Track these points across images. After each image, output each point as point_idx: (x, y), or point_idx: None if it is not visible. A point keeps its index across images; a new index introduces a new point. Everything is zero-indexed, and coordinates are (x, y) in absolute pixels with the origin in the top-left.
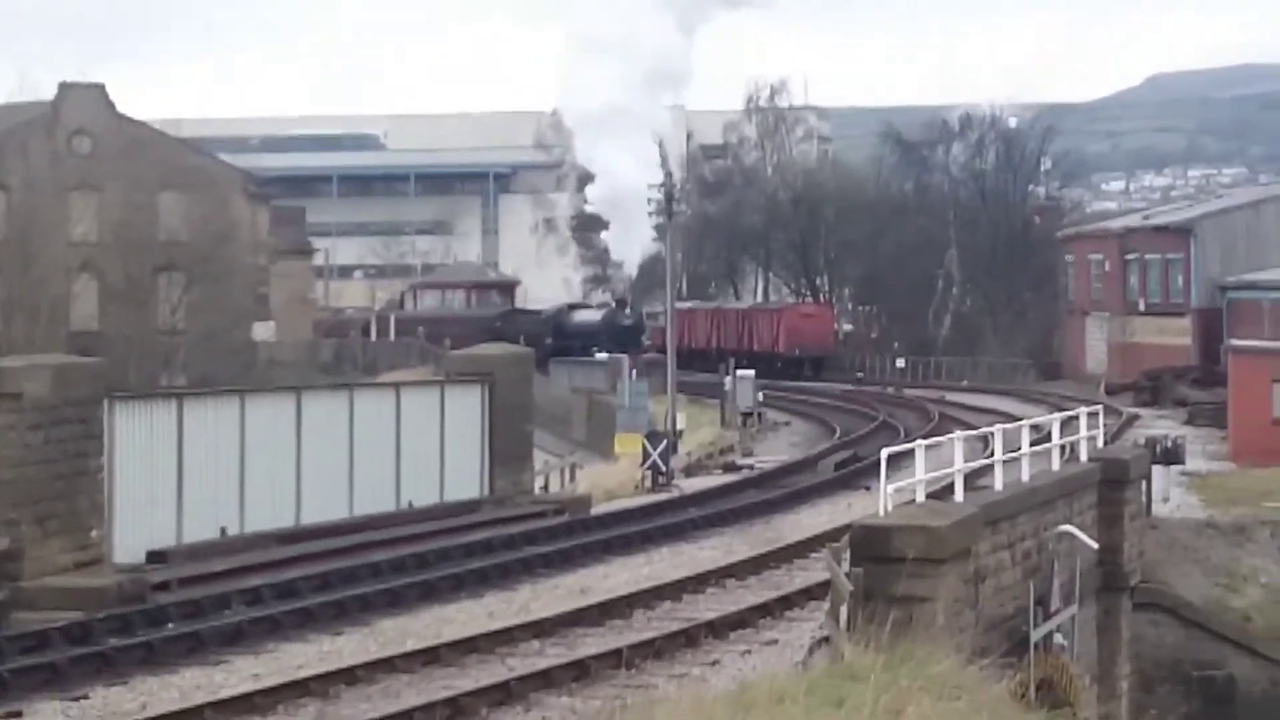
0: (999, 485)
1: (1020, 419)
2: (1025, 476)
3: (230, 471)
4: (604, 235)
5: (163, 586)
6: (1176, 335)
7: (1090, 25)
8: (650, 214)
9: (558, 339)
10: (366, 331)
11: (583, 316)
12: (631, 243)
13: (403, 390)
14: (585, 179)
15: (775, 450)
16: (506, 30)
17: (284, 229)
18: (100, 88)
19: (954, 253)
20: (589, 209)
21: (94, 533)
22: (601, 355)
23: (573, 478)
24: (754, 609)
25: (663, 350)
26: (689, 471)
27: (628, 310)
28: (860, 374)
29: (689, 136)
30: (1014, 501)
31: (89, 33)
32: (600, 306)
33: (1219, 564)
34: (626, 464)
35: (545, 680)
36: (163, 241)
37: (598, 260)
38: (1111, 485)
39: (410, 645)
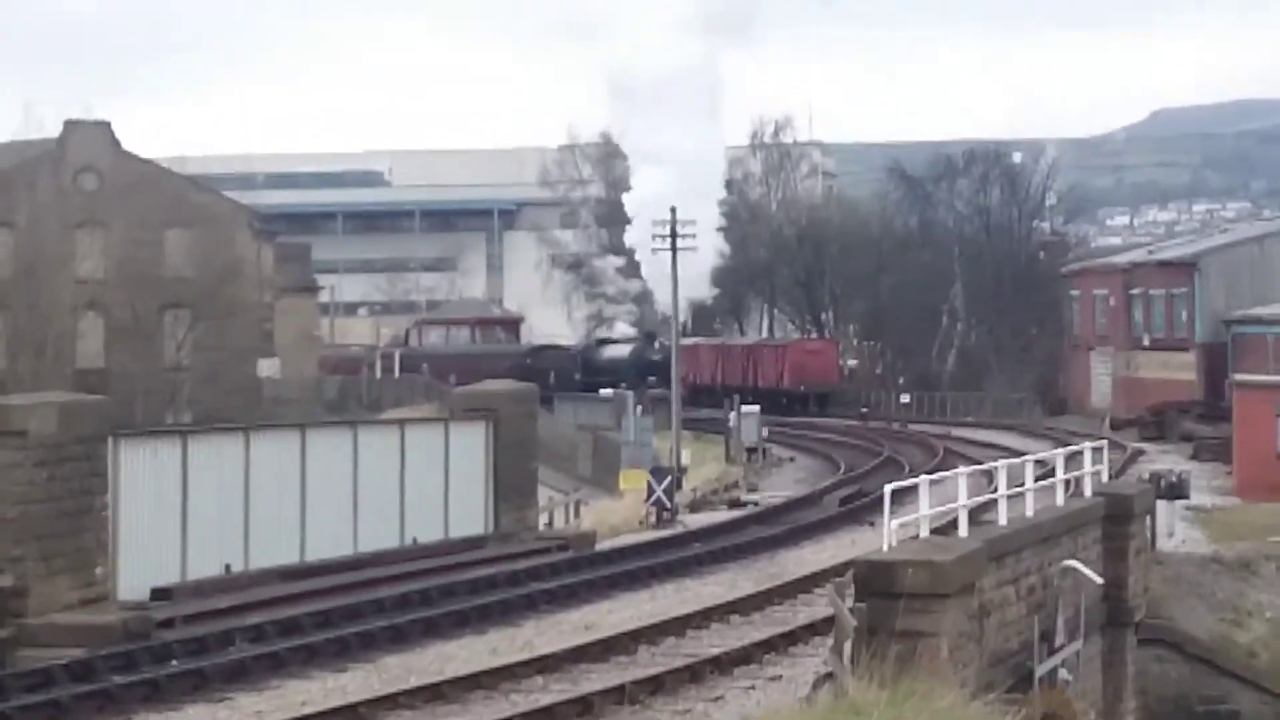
0: (1003, 520)
1: (1025, 454)
2: (1030, 512)
3: (235, 508)
4: (641, 266)
5: (167, 623)
6: (1181, 370)
7: (1094, 60)
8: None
9: (586, 374)
10: (374, 367)
11: (611, 352)
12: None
13: (407, 427)
14: (608, 212)
15: (780, 486)
16: (510, 66)
17: (289, 266)
18: (106, 125)
19: (959, 288)
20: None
21: (99, 570)
22: (606, 392)
23: (577, 514)
24: (758, 645)
25: (693, 387)
26: (694, 507)
27: (656, 344)
28: (865, 409)
29: None
30: (1018, 536)
31: (93, 68)
32: (628, 341)
33: (1224, 599)
34: (631, 500)
35: (549, 716)
36: (168, 278)
37: (602, 297)
38: (1116, 520)
39: (414, 682)
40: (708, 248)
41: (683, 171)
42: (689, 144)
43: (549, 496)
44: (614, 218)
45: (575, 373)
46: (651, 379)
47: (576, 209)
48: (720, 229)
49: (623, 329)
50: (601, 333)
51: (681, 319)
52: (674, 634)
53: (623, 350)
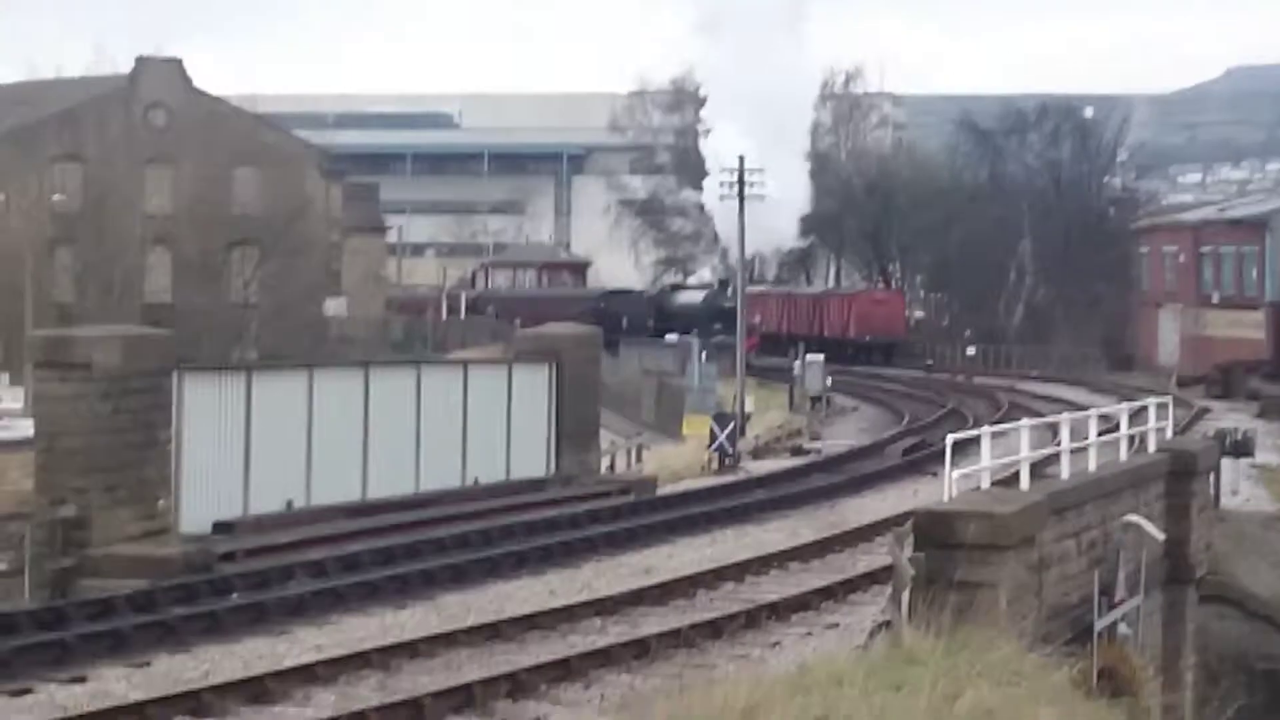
0: (1065, 474)
1: (1089, 409)
2: (1092, 466)
3: (297, 445)
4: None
5: (228, 557)
6: (1249, 328)
7: (1169, 16)
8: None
9: (659, 320)
10: (445, 309)
11: (685, 298)
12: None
13: (470, 368)
14: (678, 158)
15: (843, 435)
16: (584, 9)
17: (357, 206)
18: (177, 62)
19: (1027, 242)
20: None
21: (161, 502)
22: (672, 338)
23: (639, 458)
24: (816, 592)
25: (765, 338)
26: (756, 454)
27: (729, 291)
28: (930, 361)
29: None
30: (1080, 490)
31: (166, 6)
32: (701, 287)
33: None
34: (694, 445)
35: (605, 658)
36: (236, 216)
37: (670, 242)
38: (1179, 477)
39: (472, 620)
40: (797, 193)
41: (766, 117)
42: (774, 85)
43: (611, 440)
44: (685, 164)
45: (648, 318)
46: (717, 326)
47: (650, 152)
48: (810, 172)
49: (704, 276)
50: (677, 279)
51: (768, 268)
52: (733, 579)
53: (695, 297)
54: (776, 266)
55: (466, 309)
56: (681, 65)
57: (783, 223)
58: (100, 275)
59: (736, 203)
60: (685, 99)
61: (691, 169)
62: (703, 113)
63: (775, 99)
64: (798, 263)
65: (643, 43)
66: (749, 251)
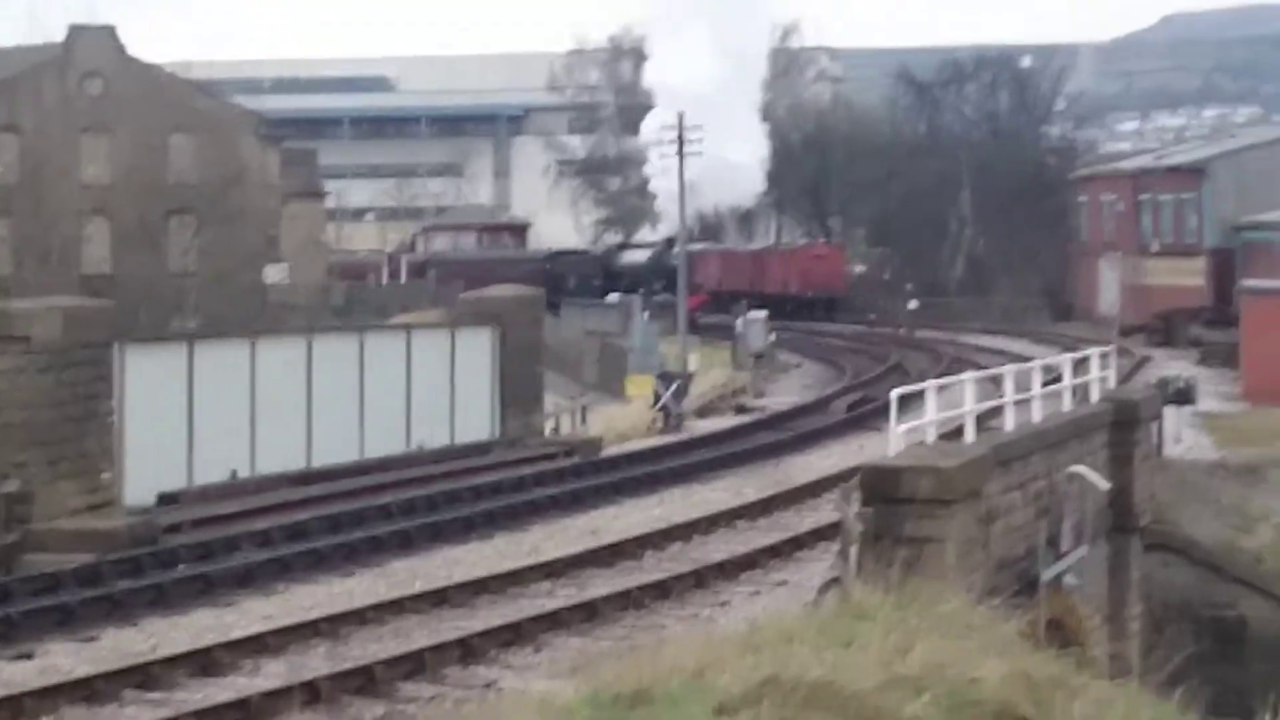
0: (1010, 426)
1: (1032, 360)
2: (1036, 417)
3: (241, 414)
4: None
5: (173, 529)
6: (1190, 276)
7: None
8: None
9: (606, 279)
10: (387, 274)
11: (631, 257)
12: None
13: (413, 333)
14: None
15: (787, 392)
16: None
17: (295, 171)
18: (111, 29)
19: (967, 194)
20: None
21: (105, 475)
22: (613, 298)
23: (584, 420)
24: (764, 550)
25: (712, 295)
26: (700, 413)
27: (675, 249)
28: (872, 315)
29: None
30: (1025, 442)
31: None
32: (648, 246)
33: (1230, 505)
34: (638, 406)
35: (554, 621)
36: (174, 184)
37: (610, 202)
38: (1123, 426)
39: (420, 587)
40: (757, 146)
41: (720, 69)
42: (727, 38)
43: (555, 402)
44: (626, 123)
45: (595, 278)
46: (660, 284)
47: (590, 110)
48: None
49: (662, 232)
50: (623, 238)
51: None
52: (680, 539)
53: (641, 255)
54: (736, 223)
55: (414, 273)
56: (620, 22)
57: (743, 177)
58: (37, 246)
59: (682, 156)
60: (624, 55)
61: (633, 127)
62: (646, 66)
63: (728, 52)
64: (742, 219)
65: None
66: (709, 208)
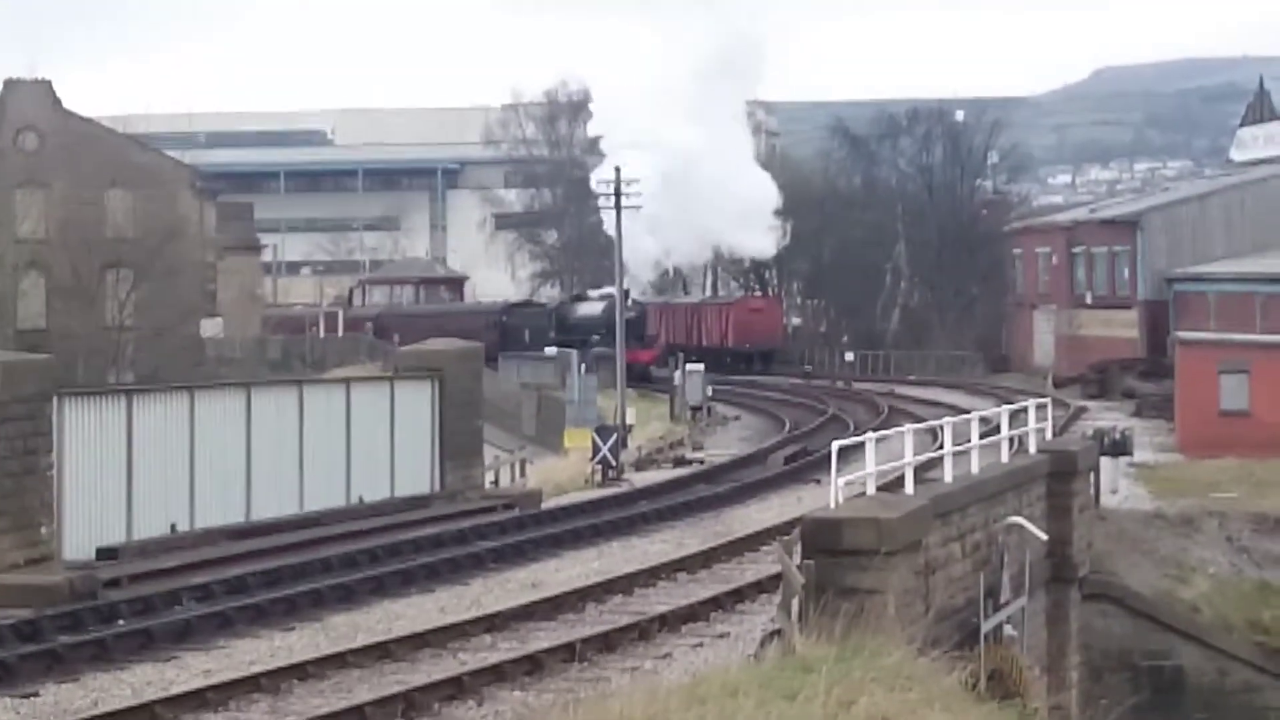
0: (949, 477)
1: (969, 412)
2: (975, 469)
3: (180, 468)
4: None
5: (113, 583)
6: (1123, 328)
7: (1037, 19)
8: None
9: (560, 332)
10: (323, 327)
11: (585, 309)
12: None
13: (353, 386)
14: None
15: (725, 444)
16: (457, 24)
17: (231, 225)
18: (47, 84)
19: (902, 247)
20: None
21: (44, 530)
22: (550, 351)
23: (523, 473)
24: (705, 602)
25: (671, 348)
26: (639, 466)
27: (630, 302)
28: (809, 368)
29: None
30: (964, 494)
31: (32, 28)
32: (602, 298)
33: (1167, 555)
34: (576, 458)
35: (497, 674)
36: (110, 238)
37: (546, 256)
38: (1060, 477)
39: (361, 640)
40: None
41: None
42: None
43: (494, 455)
44: (559, 176)
45: (549, 330)
46: (595, 337)
47: (525, 165)
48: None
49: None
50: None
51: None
52: (621, 592)
53: (596, 308)
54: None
55: (354, 326)
56: (555, 76)
57: (752, 227)
58: None
59: (620, 210)
60: (559, 110)
61: (566, 180)
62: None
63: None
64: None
65: (515, 56)
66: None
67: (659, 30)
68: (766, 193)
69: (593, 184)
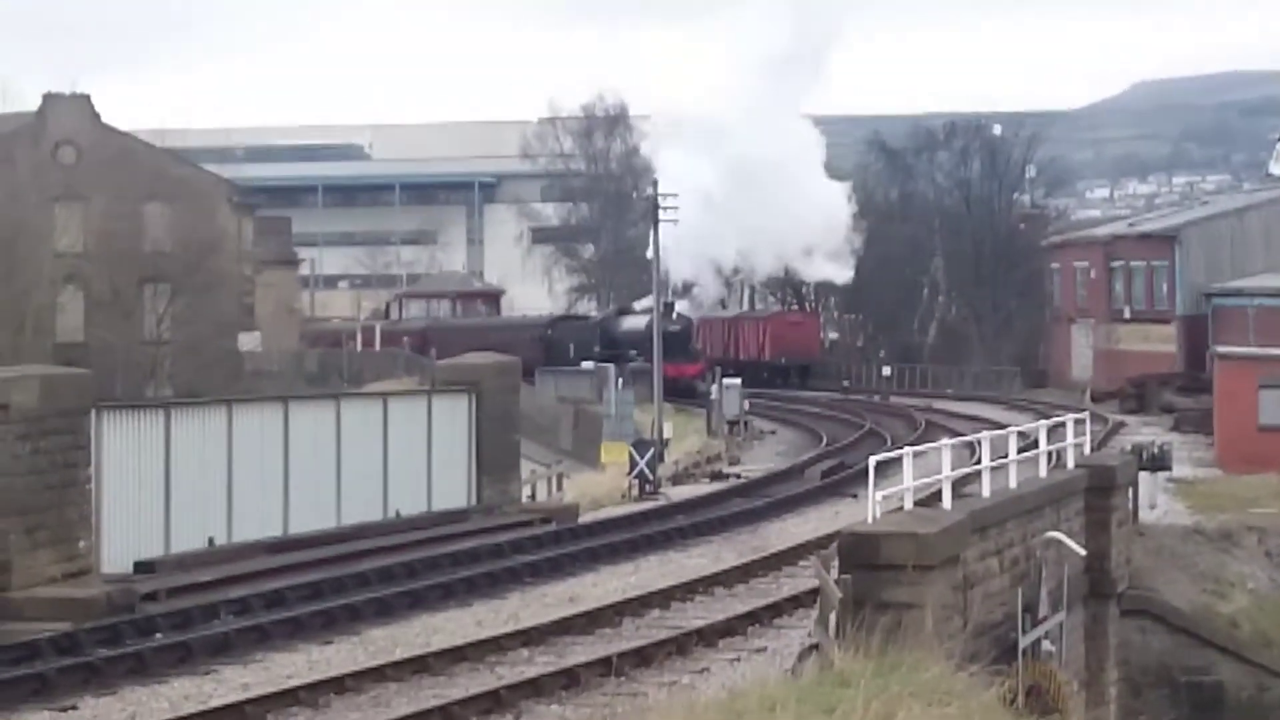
0: (987, 492)
1: (1007, 426)
2: (1013, 483)
3: (218, 481)
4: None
5: (151, 597)
6: (1162, 342)
7: (1074, 32)
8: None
9: (605, 346)
10: (361, 341)
11: (630, 323)
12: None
13: (390, 400)
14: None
15: (762, 458)
16: (493, 38)
17: (269, 239)
18: (85, 98)
19: (939, 260)
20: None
21: (82, 543)
22: (588, 365)
23: (560, 487)
24: (743, 617)
25: (724, 361)
26: (676, 480)
27: (674, 315)
28: (846, 382)
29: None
30: (1001, 508)
31: (72, 43)
32: (646, 312)
33: (1206, 570)
34: (613, 473)
35: (534, 689)
36: (148, 252)
37: (583, 270)
38: (1098, 492)
39: (399, 654)
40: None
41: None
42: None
43: (531, 469)
44: (595, 190)
45: (594, 344)
46: (632, 353)
47: (562, 179)
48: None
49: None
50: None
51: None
52: (658, 606)
53: (641, 321)
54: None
55: (391, 340)
56: (592, 90)
57: (826, 250)
58: (11, 315)
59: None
60: (596, 124)
61: (603, 194)
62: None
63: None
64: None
65: (552, 69)
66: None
67: (695, 37)
68: (839, 206)
69: (654, 189)
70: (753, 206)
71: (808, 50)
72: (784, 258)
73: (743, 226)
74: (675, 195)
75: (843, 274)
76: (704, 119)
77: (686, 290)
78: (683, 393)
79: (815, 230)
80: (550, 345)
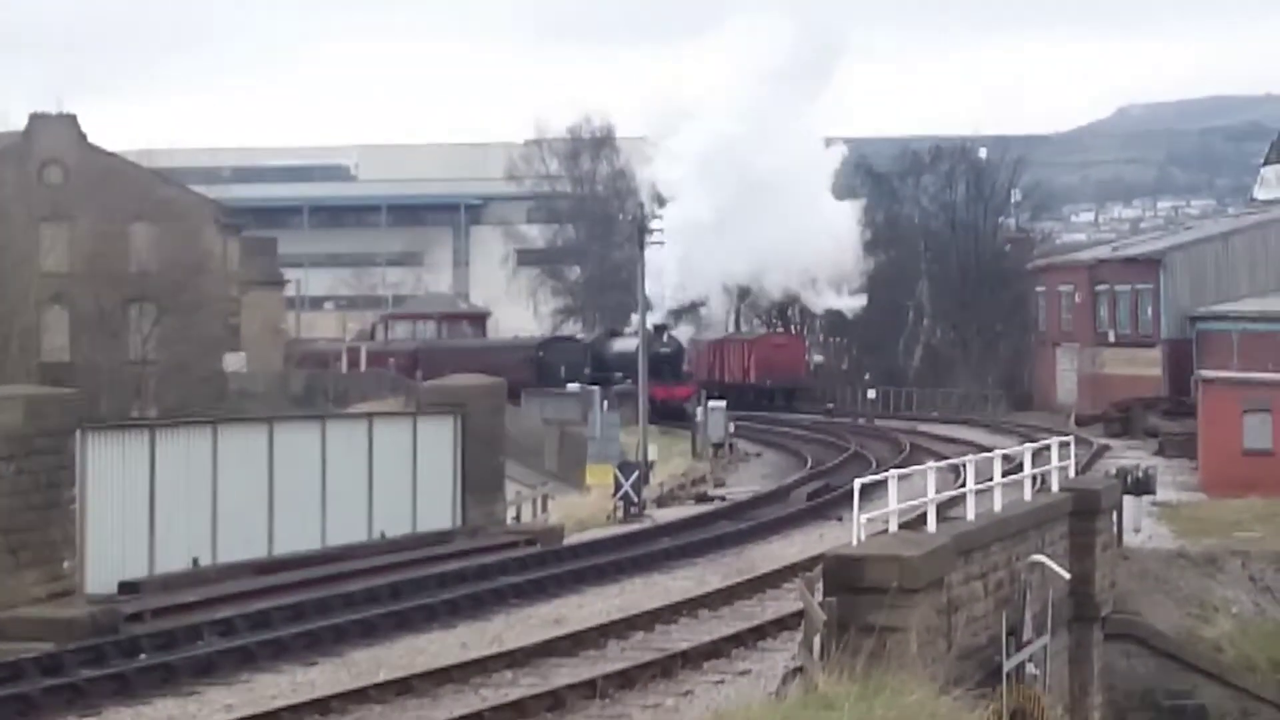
0: (971, 515)
1: (991, 449)
2: (997, 507)
3: (203, 502)
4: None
5: (135, 617)
6: (1146, 366)
7: (1060, 56)
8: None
9: (596, 368)
10: (346, 362)
11: (621, 345)
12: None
13: (375, 421)
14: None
15: (747, 481)
16: (477, 59)
17: (255, 260)
18: (72, 118)
19: (924, 284)
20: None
21: (66, 564)
22: (573, 387)
23: (545, 508)
24: (727, 639)
25: (709, 384)
26: (661, 502)
27: (665, 337)
28: (831, 405)
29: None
30: (986, 532)
31: (58, 62)
32: (637, 334)
33: (1190, 594)
34: (598, 495)
35: (519, 711)
36: (134, 272)
37: (569, 292)
38: (1083, 516)
39: (383, 676)
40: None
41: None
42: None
43: (516, 491)
44: (581, 212)
45: (585, 366)
46: (618, 375)
47: (548, 201)
48: None
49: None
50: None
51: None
52: (643, 628)
53: (632, 343)
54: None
55: (376, 361)
56: (578, 112)
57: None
58: None
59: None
60: (582, 146)
61: (589, 217)
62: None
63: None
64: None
65: (539, 91)
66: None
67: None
68: (848, 230)
69: (640, 210)
70: (760, 225)
71: (812, 64)
72: (791, 286)
73: (752, 245)
74: (660, 218)
75: (852, 303)
76: (708, 131)
77: (692, 309)
78: (673, 415)
79: (824, 255)
80: (541, 367)
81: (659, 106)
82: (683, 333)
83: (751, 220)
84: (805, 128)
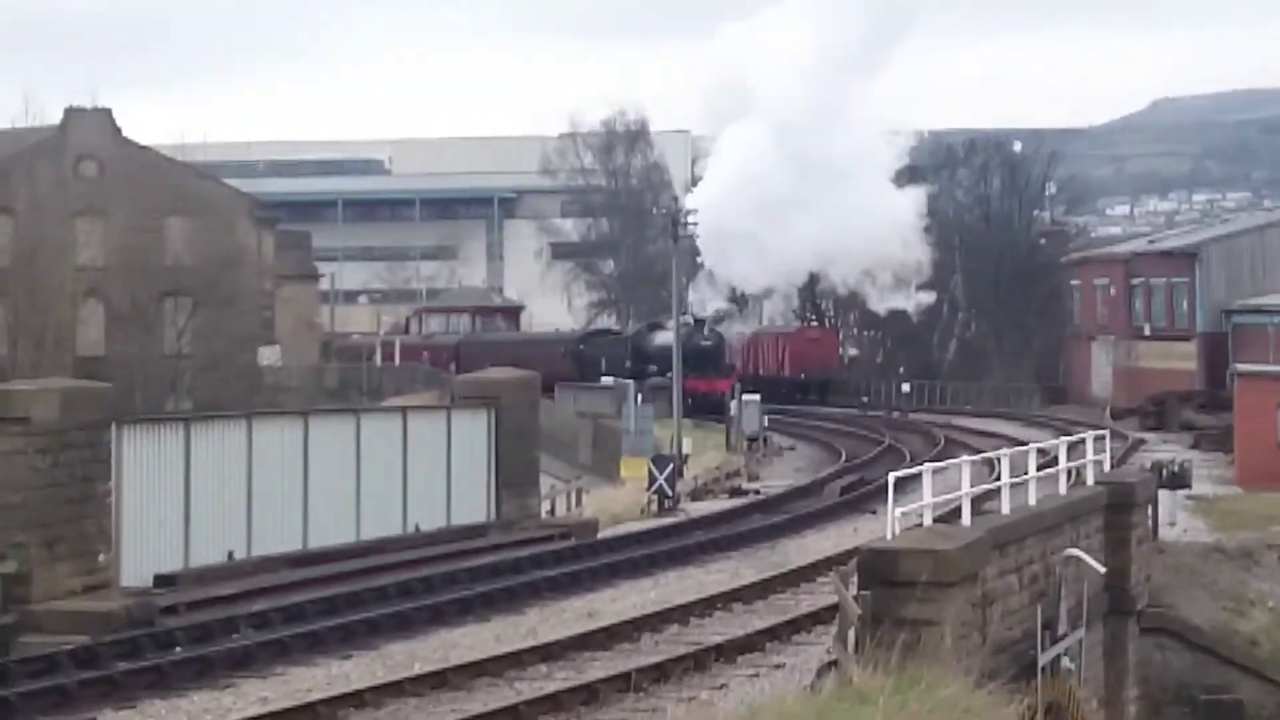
0: (1006, 509)
1: (1026, 443)
2: (1032, 500)
3: (238, 495)
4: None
5: (170, 610)
6: (1182, 360)
7: (1095, 50)
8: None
9: (637, 361)
10: (381, 355)
11: (662, 338)
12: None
13: (410, 414)
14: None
15: (781, 474)
16: (513, 53)
17: (289, 253)
18: (107, 112)
19: (959, 277)
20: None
21: (102, 557)
22: (607, 380)
23: (579, 502)
24: (761, 633)
25: (744, 377)
26: (695, 496)
27: (706, 331)
28: (865, 398)
29: (694, 161)
30: (1021, 525)
31: (93, 57)
32: (680, 326)
33: (1226, 588)
34: (632, 488)
35: (553, 704)
36: (169, 266)
37: (603, 285)
38: (1118, 509)
39: (418, 669)
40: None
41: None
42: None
43: (550, 484)
44: (615, 206)
45: (626, 359)
46: (652, 369)
47: (582, 194)
48: None
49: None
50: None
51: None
52: (677, 622)
53: (672, 337)
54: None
55: (409, 355)
56: (612, 106)
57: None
58: (32, 329)
59: (677, 239)
60: (616, 140)
61: (622, 210)
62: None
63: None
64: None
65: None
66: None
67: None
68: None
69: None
70: (825, 211)
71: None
72: (854, 281)
73: (819, 232)
74: (694, 211)
75: (921, 300)
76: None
77: (744, 302)
78: (714, 408)
79: (888, 246)
80: (582, 360)
81: (715, 90)
82: (732, 327)
83: (816, 209)
84: (870, 113)
